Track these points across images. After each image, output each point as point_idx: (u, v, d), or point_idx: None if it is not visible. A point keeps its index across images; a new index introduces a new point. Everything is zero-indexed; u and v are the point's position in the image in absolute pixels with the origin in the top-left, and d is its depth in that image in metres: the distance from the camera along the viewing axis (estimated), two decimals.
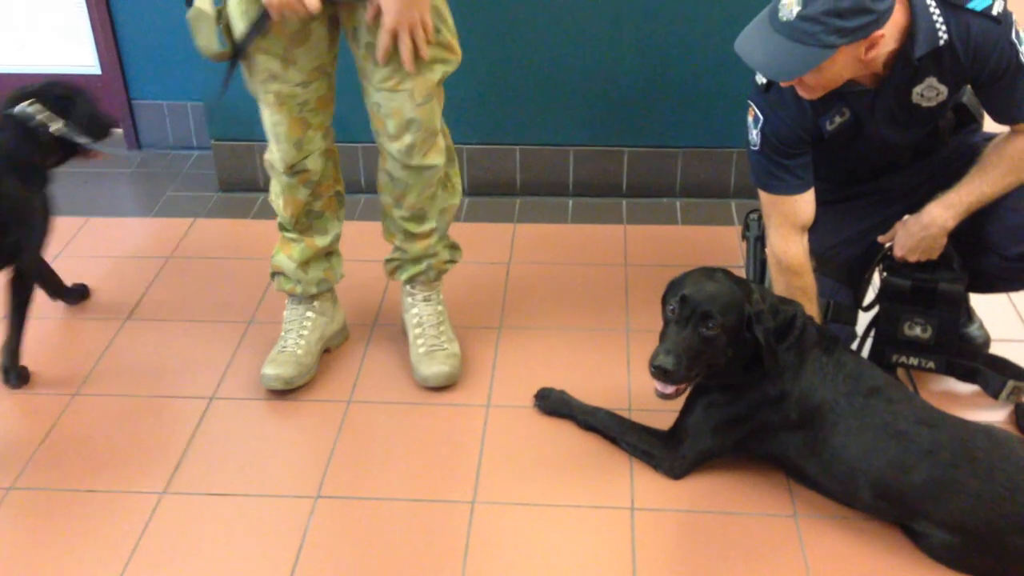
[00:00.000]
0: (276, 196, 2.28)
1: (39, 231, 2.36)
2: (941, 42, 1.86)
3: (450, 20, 2.09)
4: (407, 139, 2.12)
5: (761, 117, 2.03)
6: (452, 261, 2.43)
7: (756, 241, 2.32)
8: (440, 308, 2.43)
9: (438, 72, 2.09)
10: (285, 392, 2.31)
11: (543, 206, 3.14)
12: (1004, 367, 2.22)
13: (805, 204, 2.08)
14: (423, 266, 2.37)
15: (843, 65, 1.83)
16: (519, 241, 2.96)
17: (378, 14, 1.96)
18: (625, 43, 2.94)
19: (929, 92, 1.95)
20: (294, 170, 2.19)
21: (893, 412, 1.88)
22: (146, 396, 2.35)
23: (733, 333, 1.88)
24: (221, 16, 2.03)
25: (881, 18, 1.77)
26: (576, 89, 3.03)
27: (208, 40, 2.04)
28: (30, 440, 2.21)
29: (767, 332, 1.89)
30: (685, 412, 2.06)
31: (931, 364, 2.19)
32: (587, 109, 3.07)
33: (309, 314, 2.39)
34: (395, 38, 1.97)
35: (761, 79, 2.01)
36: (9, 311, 2.35)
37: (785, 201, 2.08)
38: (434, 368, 2.32)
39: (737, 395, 1.98)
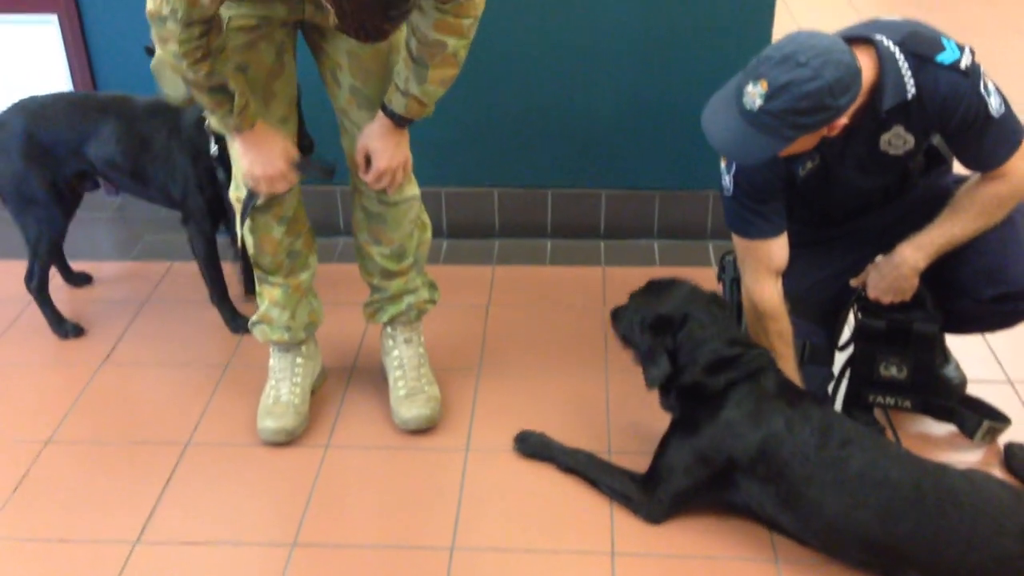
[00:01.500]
0: (248, 233, 2.23)
1: (181, 183, 2.57)
2: (909, 95, 1.89)
3: None
4: (387, 175, 2.14)
5: (734, 163, 2.05)
6: (432, 301, 2.42)
7: (732, 283, 2.33)
8: (421, 351, 2.42)
9: None
10: (285, 443, 2.29)
11: (521, 248, 3.15)
12: (979, 407, 2.23)
13: (779, 248, 2.10)
14: (403, 305, 2.36)
15: (805, 143, 1.88)
16: (498, 283, 2.96)
17: (368, 157, 2.10)
18: (602, 86, 2.98)
19: (896, 140, 1.98)
20: (267, 206, 2.17)
21: (870, 462, 1.87)
22: (120, 443, 2.32)
23: (627, 327, 2.11)
24: None
25: (841, 110, 1.80)
26: (553, 131, 3.06)
27: (174, 87, 2.14)
28: (1, 488, 2.17)
29: (644, 348, 2.05)
30: (658, 454, 2.06)
31: (907, 403, 2.20)
32: (564, 151, 3.09)
33: (299, 360, 2.37)
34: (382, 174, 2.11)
35: None
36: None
37: (759, 245, 2.10)
38: (414, 411, 2.31)
39: (697, 429, 2.00)
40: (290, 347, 2.36)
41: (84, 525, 2.08)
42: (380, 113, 2.05)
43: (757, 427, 1.94)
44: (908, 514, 1.80)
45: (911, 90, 1.89)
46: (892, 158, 2.01)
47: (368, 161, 2.12)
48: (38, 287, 2.70)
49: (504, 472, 2.20)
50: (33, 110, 2.58)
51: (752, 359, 2.01)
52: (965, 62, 1.89)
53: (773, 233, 2.09)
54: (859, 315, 2.20)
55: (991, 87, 1.92)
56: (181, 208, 2.63)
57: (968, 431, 2.20)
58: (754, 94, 1.79)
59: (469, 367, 2.56)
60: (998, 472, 2.12)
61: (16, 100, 2.61)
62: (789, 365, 2.12)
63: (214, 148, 2.48)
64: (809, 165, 2.04)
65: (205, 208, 2.59)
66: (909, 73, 1.88)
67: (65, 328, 2.72)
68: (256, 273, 2.30)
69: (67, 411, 2.42)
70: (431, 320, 2.49)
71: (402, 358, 2.38)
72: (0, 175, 2.56)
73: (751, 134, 1.82)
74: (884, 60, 1.87)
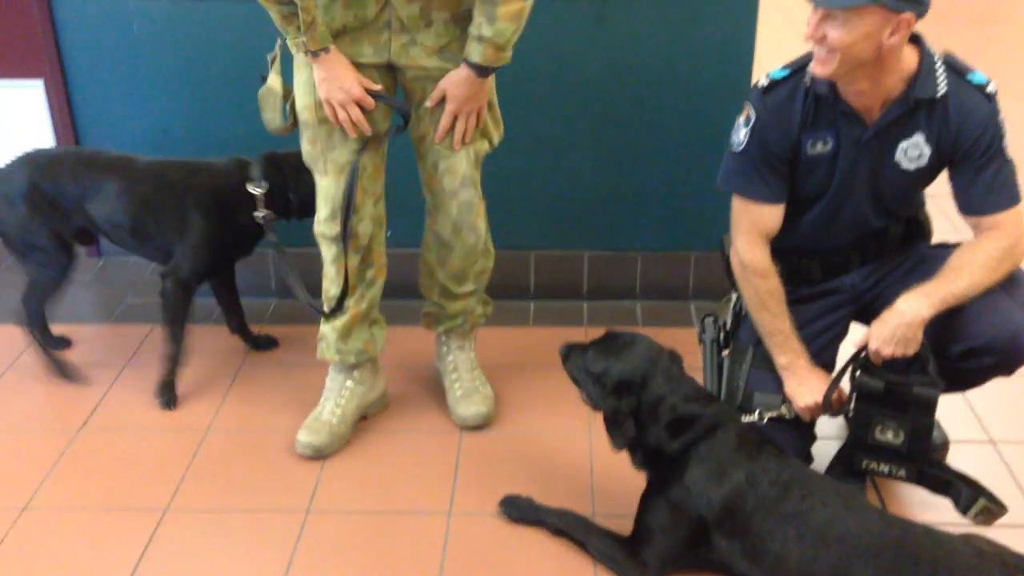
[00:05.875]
0: (330, 265, 2.35)
1: (187, 246, 2.60)
2: (938, 93, 1.99)
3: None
4: (464, 195, 2.28)
5: (754, 116, 2.11)
6: (484, 315, 2.60)
7: (712, 343, 2.34)
8: (472, 355, 2.59)
9: (485, 145, 2.32)
10: (313, 458, 2.39)
11: (504, 309, 3.14)
12: (977, 486, 2.05)
13: (774, 215, 2.16)
14: (459, 320, 2.54)
15: (867, 34, 1.88)
16: (480, 344, 2.93)
17: (442, 99, 2.18)
18: (583, 148, 3.01)
19: (913, 151, 2.05)
20: (343, 235, 2.26)
21: (829, 516, 1.87)
22: (98, 509, 2.29)
23: (584, 378, 2.11)
24: (288, 94, 2.29)
25: (919, 10, 1.88)
26: (536, 193, 3.09)
27: (273, 115, 2.33)
28: None
29: (607, 411, 2.04)
30: (638, 515, 2.06)
31: (902, 472, 2.08)
32: (547, 213, 3.12)
33: (348, 383, 2.46)
34: (454, 120, 2.19)
35: (763, 81, 2.12)
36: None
37: (757, 208, 2.15)
38: (472, 409, 2.48)
39: (668, 489, 2.01)
40: (342, 369, 2.45)
41: None
42: (463, 64, 2.13)
43: (720, 485, 1.95)
44: (866, 568, 1.80)
45: (941, 89, 1.99)
46: (901, 173, 2.07)
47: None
48: (41, 331, 2.79)
49: (486, 536, 2.18)
50: (40, 163, 2.66)
51: (710, 415, 2.03)
52: (991, 88, 2.01)
53: (772, 199, 2.15)
54: (857, 375, 2.11)
55: (1005, 129, 2.02)
56: (171, 261, 2.65)
57: (962, 506, 2.04)
58: None
59: (451, 430, 2.54)
60: None
61: (24, 153, 2.70)
62: (786, 324, 2.15)
63: (261, 213, 2.56)
64: (820, 146, 2.09)
65: (199, 266, 2.62)
66: (943, 78, 2.00)
67: (67, 371, 2.78)
68: (329, 306, 2.40)
69: (44, 477, 2.39)
70: (412, 384, 2.51)
71: (456, 362, 2.56)
72: (5, 222, 2.64)
73: None
74: (924, 57, 2.00)
